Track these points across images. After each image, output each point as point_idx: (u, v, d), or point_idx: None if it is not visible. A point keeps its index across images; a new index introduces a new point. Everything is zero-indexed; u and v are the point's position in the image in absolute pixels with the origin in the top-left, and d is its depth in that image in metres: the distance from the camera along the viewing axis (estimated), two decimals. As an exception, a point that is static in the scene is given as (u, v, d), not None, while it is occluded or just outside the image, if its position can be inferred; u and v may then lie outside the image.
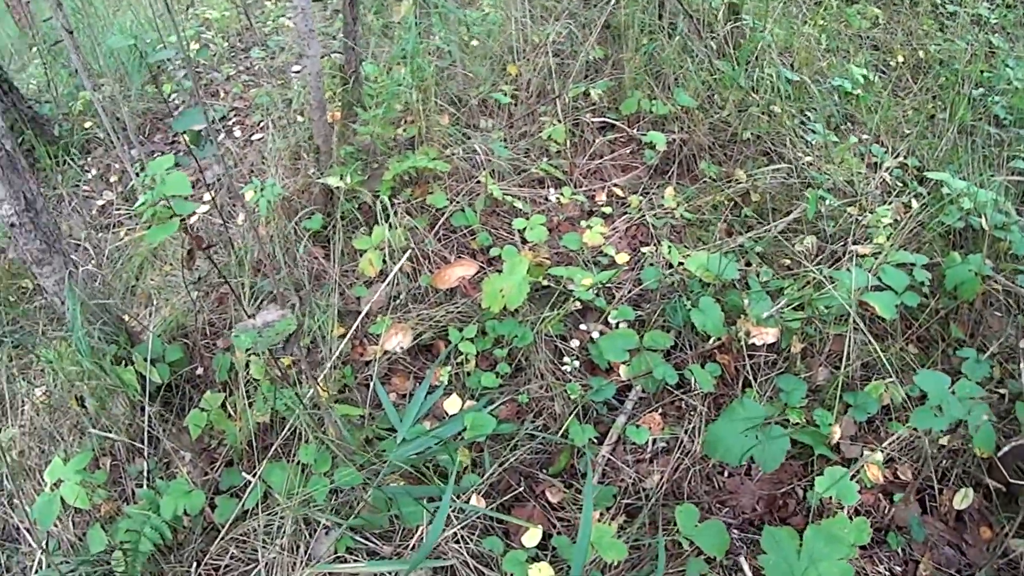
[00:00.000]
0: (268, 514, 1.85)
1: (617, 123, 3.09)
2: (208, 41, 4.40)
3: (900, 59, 4.11)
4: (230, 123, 3.57)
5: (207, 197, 2.82)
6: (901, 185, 3.01)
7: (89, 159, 3.55)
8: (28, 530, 1.96)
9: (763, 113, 3.13)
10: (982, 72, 3.96)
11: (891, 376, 2.13)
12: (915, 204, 2.78)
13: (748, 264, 2.55)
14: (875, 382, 2.14)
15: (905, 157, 3.20)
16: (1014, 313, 2.43)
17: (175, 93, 3.84)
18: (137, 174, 2.93)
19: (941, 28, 4.56)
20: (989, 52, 4.33)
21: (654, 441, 2.06)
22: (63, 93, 3.89)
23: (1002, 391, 2.24)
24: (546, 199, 2.77)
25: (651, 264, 2.47)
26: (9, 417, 2.21)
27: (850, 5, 4.41)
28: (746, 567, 1.79)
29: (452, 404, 2.10)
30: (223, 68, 4.10)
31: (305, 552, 1.80)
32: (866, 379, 2.21)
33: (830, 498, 1.86)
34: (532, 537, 1.81)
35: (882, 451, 2.04)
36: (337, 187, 2.48)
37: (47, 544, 1.92)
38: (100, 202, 3.23)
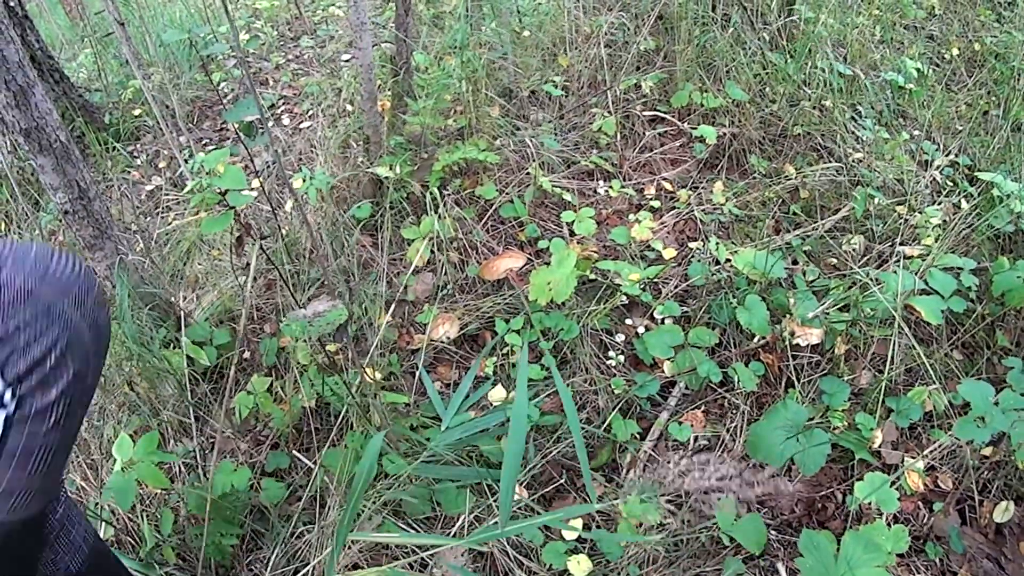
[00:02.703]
0: (312, 496, 1.90)
1: (667, 116, 3.09)
2: (258, 31, 4.45)
3: (955, 52, 4.04)
4: (279, 111, 3.62)
5: (255, 184, 2.87)
6: (951, 184, 2.97)
7: (138, 146, 3.64)
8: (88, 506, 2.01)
9: (814, 108, 3.11)
10: (1039, 65, 3.88)
11: (934, 382, 2.12)
12: (965, 205, 2.75)
13: (795, 263, 2.54)
14: (918, 388, 2.13)
15: (956, 155, 3.16)
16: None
17: (224, 82, 3.89)
18: (186, 160, 2.98)
19: (998, 19, 4.46)
20: (1050, 43, 4.24)
21: (696, 439, 2.07)
22: (113, 82, 3.97)
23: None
24: (595, 192, 2.78)
25: (698, 260, 2.48)
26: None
27: (908, -5, 4.34)
28: (783, 570, 1.81)
29: (497, 395, 2.12)
30: (272, 57, 4.15)
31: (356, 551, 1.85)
32: (909, 384, 2.21)
33: (869, 504, 1.87)
34: (572, 530, 1.85)
35: (923, 458, 2.04)
36: (386, 177, 2.51)
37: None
38: (149, 187, 3.31)
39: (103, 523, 1.92)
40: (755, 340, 2.24)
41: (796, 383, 2.17)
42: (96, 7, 4.53)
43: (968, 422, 1.89)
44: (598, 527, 1.89)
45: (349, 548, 1.82)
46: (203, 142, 3.54)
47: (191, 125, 3.66)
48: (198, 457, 2.09)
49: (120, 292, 2.06)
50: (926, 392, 2.12)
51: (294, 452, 2.07)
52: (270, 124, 3.48)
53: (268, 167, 3.12)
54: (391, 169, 2.50)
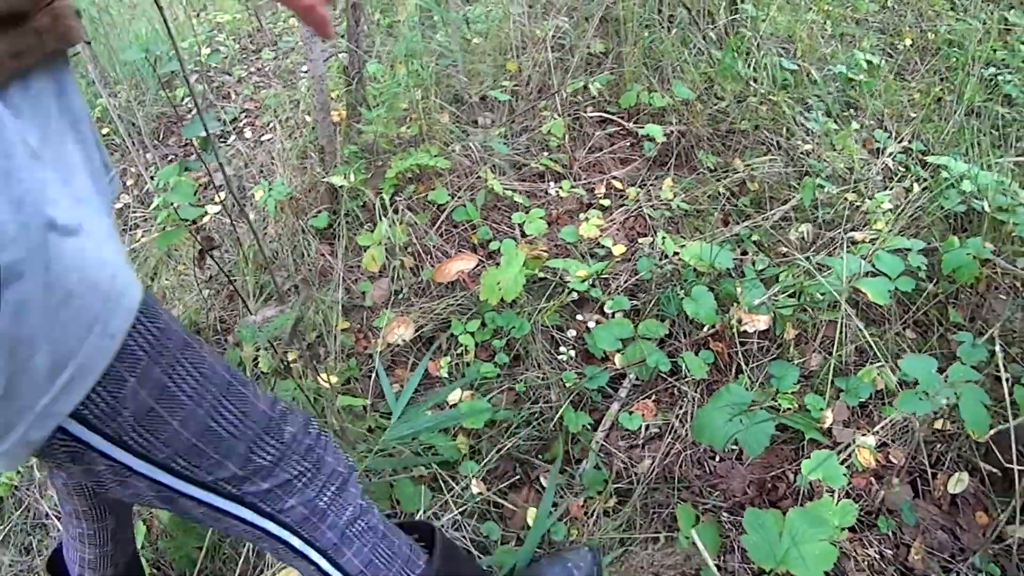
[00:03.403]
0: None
1: (615, 117, 3.14)
2: (220, 43, 4.48)
3: (908, 42, 4.10)
4: (241, 124, 3.66)
5: (221, 196, 2.91)
6: (903, 170, 3.02)
7: None
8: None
9: (761, 103, 3.16)
10: (995, 51, 3.94)
11: (884, 361, 2.16)
12: (916, 188, 2.80)
13: (744, 253, 2.58)
14: (868, 367, 2.18)
15: (910, 142, 3.21)
16: (1021, 295, 2.44)
17: (187, 98, 3.92)
18: (152, 177, 3.01)
19: (952, 7, 4.52)
20: (1004, 30, 4.30)
21: (647, 427, 2.11)
22: (80, 102, 3.98)
23: (1005, 375, 2.25)
24: (546, 193, 2.82)
25: (646, 255, 2.52)
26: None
27: (859, -10, 4.40)
28: (737, 549, 1.85)
29: (456, 397, 2.16)
30: (234, 70, 4.18)
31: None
32: (861, 364, 2.25)
33: (820, 482, 1.90)
34: (530, 518, 1.89)
35: (874, 435, 2.07)
36: (341, 186, 2.55)
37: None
38: (118, 205, 3.33)
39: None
40: (704, 330, 2.28)
41: (745, 369, 2.21)
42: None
43: (911, 395, 1.93)
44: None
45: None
46: (168, 158, 3.56)
47: (156, 142, 3.68)
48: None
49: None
50: (875, 371, 2.16)
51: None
52: (232, 138, 3.52)
53: (228, 181, 3.15)
54: (346, 178, 2.54)
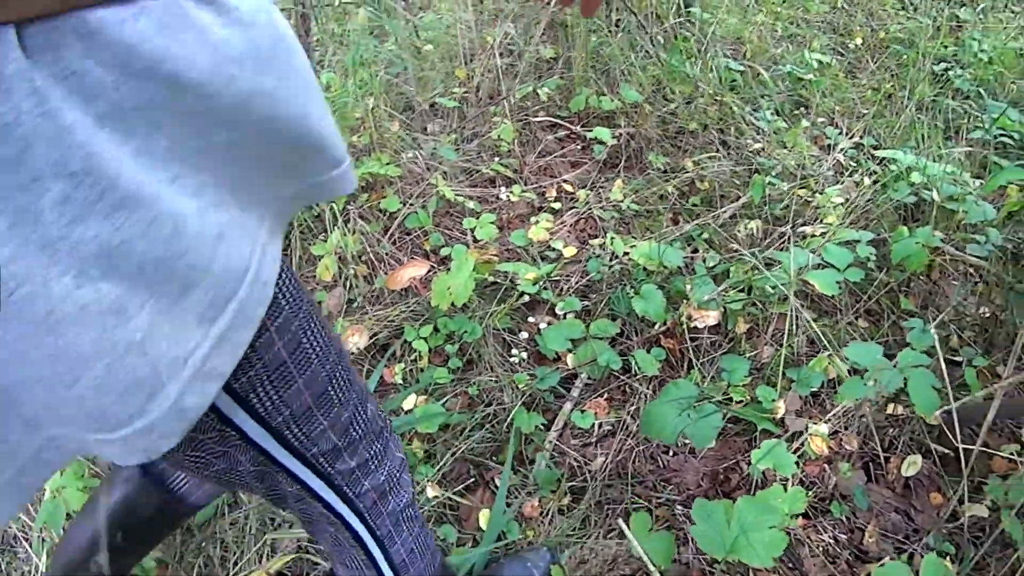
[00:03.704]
0: (236, 513, 1.93)
1: (562, 121, 3.17)
2: None
3: (859, 41, 4.16)
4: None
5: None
6: (855, 165, 3.06)
7: None
8: (25, 537, 2.04)
9: (710, 104, 3.19)
10: (945, 47, 4.00)
11: (832, 350, 2.19)
12: (867, 182, 2.84)
13: (696, 251, 2.61)
14: (819, 357, 2.20)
15: (861, 137, 3.25)
16: (973, 281, 2.48)
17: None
18: None
19: (903, 7, 4.59)
20: (956, 26, 4.37)
21: (600, 425, 2.12)
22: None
23: (958, 359, 2.28)
24: (497, 198, 2.84)
25: (596, 256, 2.54)
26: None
27: (809, -8, 4.46)
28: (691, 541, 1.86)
29: (410, 403, 2.17)
30: None
31: (271, 545, 1.88)
32: (813, 355, 2.27)
33: (774, 472, 1.92)
34: (483, 520, 1.89)
35: (827, 423, 2.10)
36: (293, 196, 2.55)
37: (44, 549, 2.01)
38: None
39: (44, 550, 1.95)
40: (656, 327, 2.30)
41: (695, 364, 2.23)
42: None
43: (855, 382, 1.96)
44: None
45: (271, 551, 1.85)
46: None
47: None
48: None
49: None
50: (826, 360, 2.18)
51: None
52: None
53: None
54: (297, 190, 2.54)
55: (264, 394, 0.86)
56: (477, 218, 2.63)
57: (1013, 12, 4.56)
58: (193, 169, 0.62)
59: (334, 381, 0.97)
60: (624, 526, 1.85)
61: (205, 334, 0.65)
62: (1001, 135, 3.05)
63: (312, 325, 0.91)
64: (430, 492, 1.96)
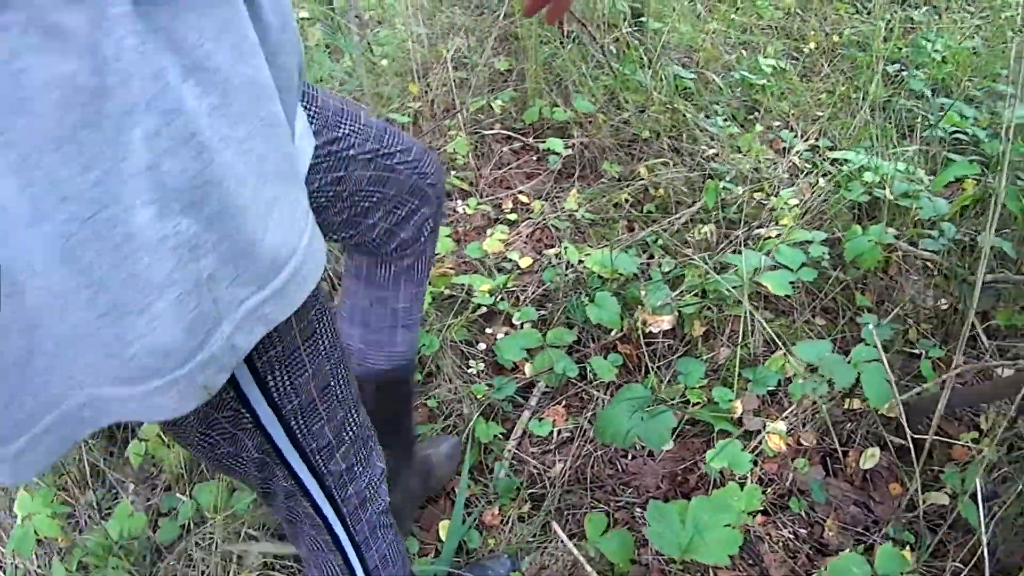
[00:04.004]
0: (203, 530, 1.94)
1: (517, 133, 3.20)
2: None
3: (813, 45, 4.20)
4: None
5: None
6: (810, 166, 3.10)
7: None
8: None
9: (663, 112, 3.22)
10: (899, 48, 4.05)
11: (787, 349, 2.21)
12: (822, 182, 2.87)
13: (651, 257, 2.64)
14: (774, 356, 2.23)
15: (816, 139, 3.29)
16: (930, 274, 2.51)
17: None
18: None
19: (856, 11, 4.65)
20: (910, 28, 4.43)
21: (558, 432, 2.14)
22: None
23: (917, 351, 2.31)
24: (454, 211, 2.86)
25: (552, 265, 2.56)
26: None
27: (763, -1, 4.52)
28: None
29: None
30: None
31: (237, 561, 1.88)
32: (770, 354, 2.30)
33: (732, 471, 1.94)
34: (444, 530, 1.90)
35: (784, 421, 2.12)
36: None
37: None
38: None
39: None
40: (612, 334, 2.32)
41: (651, 368, 2.25)
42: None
43: (806, 380, 1.99)
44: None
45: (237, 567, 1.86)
46: None
47: None
48: (99, 508, 2.13)
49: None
50: (781, 360, 2.20)
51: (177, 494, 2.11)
52: None
53: None
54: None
55: (279, 378, 0.89)
56: (433, 232, 2.65)
57: (968, 12, 4.63)
58: (260, 138, 0.67)
59: (336, 377, 1.00)
60: (559, 534, 1.87)
61: (263, 285, 0.69)
62: (955, 132, 3.09)
63: (324, 316, 0.95)
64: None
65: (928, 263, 2.56)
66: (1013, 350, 2.26)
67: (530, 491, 2.01)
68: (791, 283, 2.24)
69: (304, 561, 1.24)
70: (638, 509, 1.98)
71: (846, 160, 2.82)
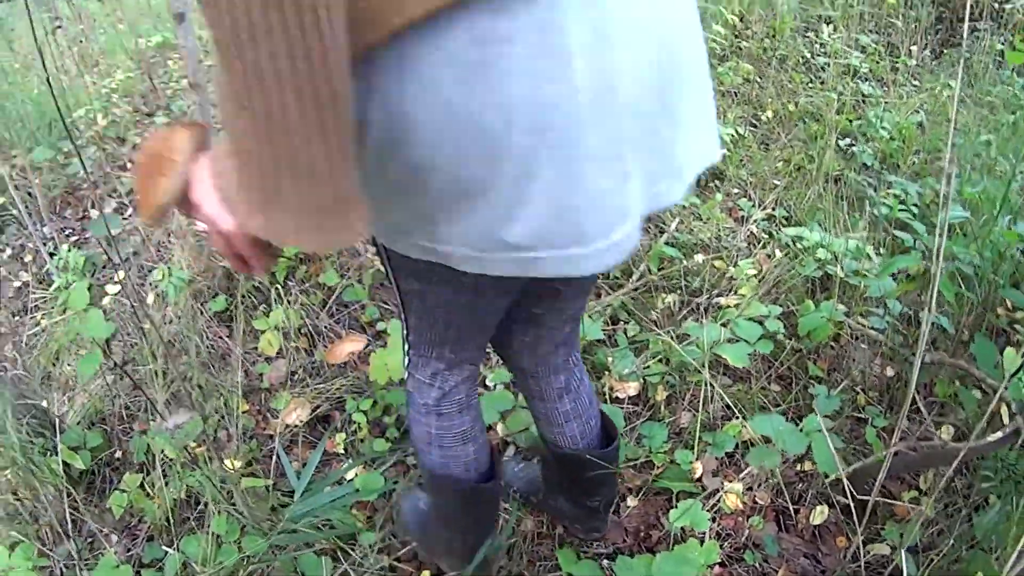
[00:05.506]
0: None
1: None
2: (115, 104, 4.40)
3: (770, 114, 4.40)
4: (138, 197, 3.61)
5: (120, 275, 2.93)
6: (767, 236, 3.28)
7: (2, 237, 3.60)
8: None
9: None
10: (850, 121, 4.25)
11: (744, 416, 2.36)
12: (779, 254, 3.05)
13: (616, 321, 2.79)
14: (732, 422, 2.39)
15: (773, 209, 3.47)
16: (877, 345, 2.68)
17: (80, 172, 3.80)
18: (51, 254, 3.00)
19: (811, 80, 4.84)
20: (861, 101, 4.63)
21: (531, 489, 2.26)
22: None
23: (864, 416, 2.48)
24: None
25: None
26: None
27: (722, 64, 4.70)
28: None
29: (352, 473, 2.28)
30: (129, 135, 4.12)
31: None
32: (729, 418, 2.45)
33: (692, 528, 2.09)
34: (423, 584, 2.02)
35: (740, 481, 2.28)
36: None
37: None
38: (16, 284, 3.29)
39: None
40: (581, 397, 2.46)
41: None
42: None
43: (761, 449, 2.17)
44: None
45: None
46: (66, 232, 3.55)
47: (53, 214, 3.64)
48: (79, 558, 2.18)
49: (2, 406, 2.17)
50: (739, 426, 2.37)
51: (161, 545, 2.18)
52: (129, 211, 3.50)
53: (128, 263, 3.14)
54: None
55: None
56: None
57: (914, 87, 4.85)
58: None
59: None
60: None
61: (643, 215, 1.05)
62: (902, 209, 3.28)
63: None
64: (372, 559, 2.07)
65: (875, 337, 2.74)
66: (952, 416, 2.45)
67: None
68: (748, 355, 2.41)
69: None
70: (605, 560, 2.12)
71: (800, 237, 2.99)
